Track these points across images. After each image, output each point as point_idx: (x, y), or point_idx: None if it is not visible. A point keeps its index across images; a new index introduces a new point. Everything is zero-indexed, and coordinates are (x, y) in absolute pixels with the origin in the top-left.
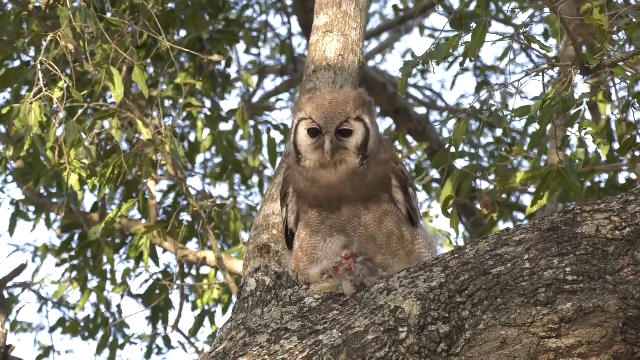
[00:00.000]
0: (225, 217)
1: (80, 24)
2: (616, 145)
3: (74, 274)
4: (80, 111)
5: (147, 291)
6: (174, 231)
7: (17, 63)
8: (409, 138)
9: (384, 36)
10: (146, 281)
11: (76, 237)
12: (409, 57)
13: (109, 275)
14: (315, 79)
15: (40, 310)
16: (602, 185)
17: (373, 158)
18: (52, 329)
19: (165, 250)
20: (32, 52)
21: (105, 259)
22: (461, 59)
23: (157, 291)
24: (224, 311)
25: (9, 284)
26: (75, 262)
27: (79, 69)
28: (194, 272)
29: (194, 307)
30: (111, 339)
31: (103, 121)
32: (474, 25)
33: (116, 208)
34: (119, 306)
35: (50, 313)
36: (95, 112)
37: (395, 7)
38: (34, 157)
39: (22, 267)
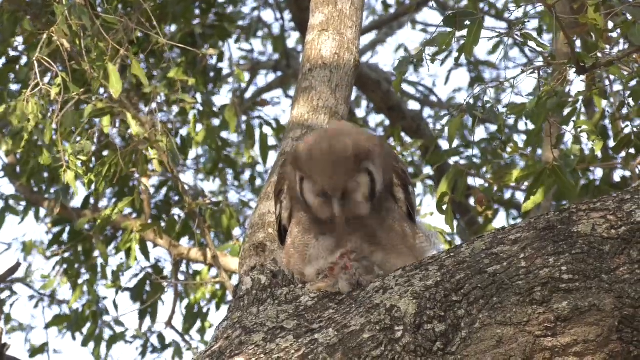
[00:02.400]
0: (218, 214)
1: (76, 21)
2: (611, 143)
3: (65, 267)
4: (73, 101)
5: (137, 285)
6: (169, 229)
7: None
8: (403, 135)
9: (376, 32)
10: (136, 275)
11: (67, 230)
12: (401, 52)
13: (99, 269)
14: (310, 77)
15: (36, 306)
16: (597, 183)
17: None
18: (47, 326)
19: (155, 245)
20: (21, 48)
21: (96, 253)
22: (455, 54)
23: (148, 287)
24: (218, 307)
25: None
26: (65, 255)
27: (75, 67)
28: (183, 267)
29: (188, 306)
30: (97, 332)
31: (99, 118)
32: (468, 22)
33: (112, 205)
34: (114, 302)
35: (44, 310)
36: (90, 109)
37: (384, 3)
38: (27, 153)
39: (16, 266)
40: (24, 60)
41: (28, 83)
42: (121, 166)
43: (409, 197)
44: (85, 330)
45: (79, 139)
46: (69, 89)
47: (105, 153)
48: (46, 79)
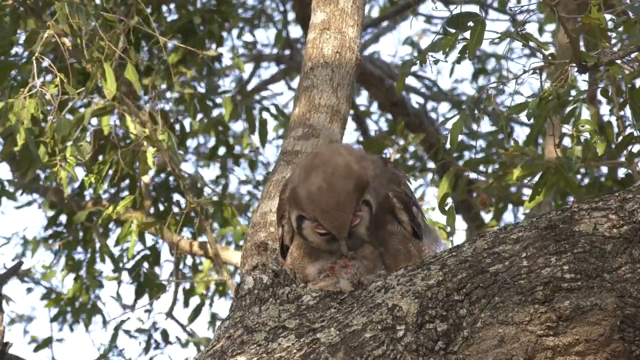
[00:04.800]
0: (217, 211)
1: (77, 20)
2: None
3: (63, 254)
4: (70, 104)
5: (134, 267)
6: (169, 224)
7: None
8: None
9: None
10: (133, 257)
11: (65, 217)
12: (407, 46)
13: (98, 257)
14: (312, 76)
15: (43, 298)
16: (602, 179)
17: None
18: (53, 319)
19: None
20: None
21: (93, 242)
22: (458, 54)
23: (144, 271)
24: (212, 301)
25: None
26: (62, 239)
27: (76, 65)
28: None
29: (188, 298)
30: (83, 323)
31: (100, 118)
32: (471, 24)
33: (113, 203)
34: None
35: (45, 302)
36: (90, 107)
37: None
38: (25, 149)
39: (19, 265)
40: (22, 58)
41: (27, 78)
42: (122, 165)
43: (412, 217)
44: (83, 320)
45: (71, 141)
46: (67, 90)
47: (103, 149)
48: (46, 78)
